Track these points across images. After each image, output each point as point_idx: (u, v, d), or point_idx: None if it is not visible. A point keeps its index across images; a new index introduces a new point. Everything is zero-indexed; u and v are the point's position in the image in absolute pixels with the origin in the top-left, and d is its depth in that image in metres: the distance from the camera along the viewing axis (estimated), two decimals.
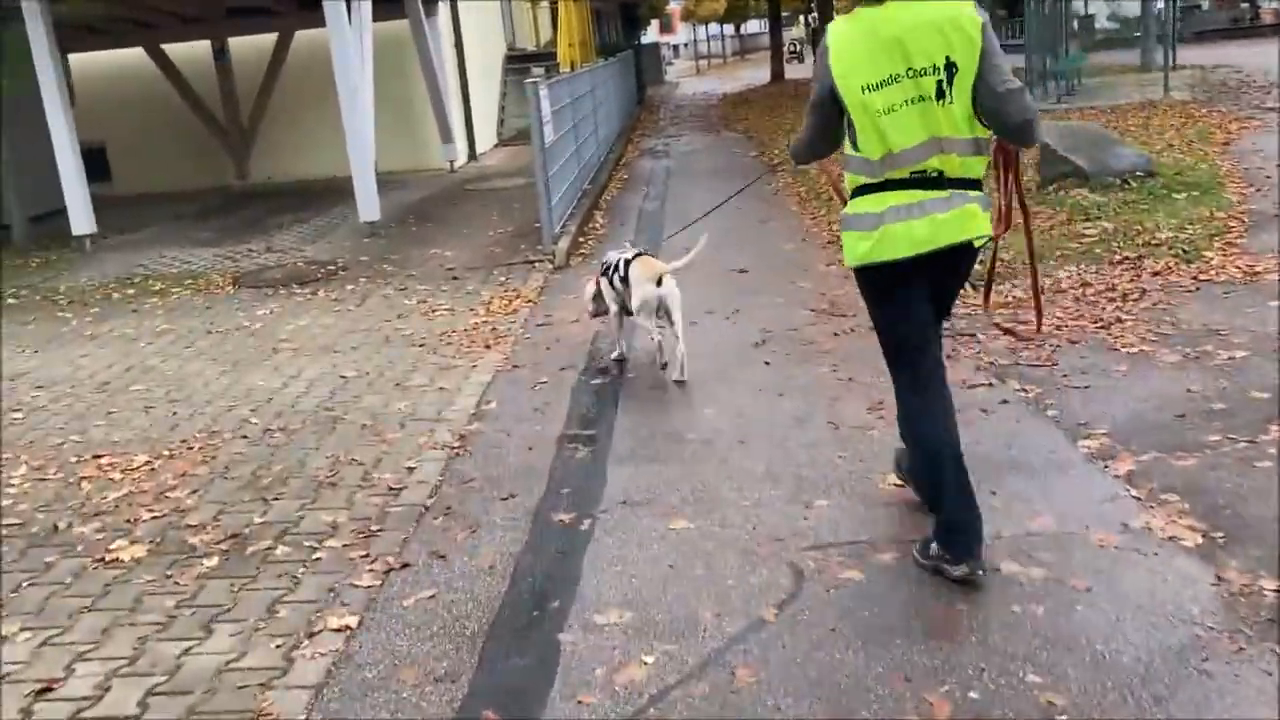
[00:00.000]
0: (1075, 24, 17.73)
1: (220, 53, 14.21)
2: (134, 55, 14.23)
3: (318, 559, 3.60)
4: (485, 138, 16.53)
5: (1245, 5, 31.74)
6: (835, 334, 5.87)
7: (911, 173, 2.96)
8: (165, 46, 14.11)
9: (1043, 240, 7.20)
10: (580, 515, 3.78)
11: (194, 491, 4.31)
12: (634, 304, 5.28)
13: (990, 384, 4.75)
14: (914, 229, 2.96)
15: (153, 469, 4.61)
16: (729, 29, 63.08)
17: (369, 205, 10.09)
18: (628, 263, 5.34)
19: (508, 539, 3.64)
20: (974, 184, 3.01)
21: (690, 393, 5.08)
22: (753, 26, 70.48)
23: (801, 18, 65.21)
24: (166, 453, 4.80)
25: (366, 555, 3.59)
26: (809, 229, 9.10)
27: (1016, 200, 3.26)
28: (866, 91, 2.94)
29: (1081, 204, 8.08)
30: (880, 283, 3.13)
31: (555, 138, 9.37)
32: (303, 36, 13.93)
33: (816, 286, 6.96)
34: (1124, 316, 5.54)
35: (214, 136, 14.73)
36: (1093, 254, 6.82)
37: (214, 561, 3.66)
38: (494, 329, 6.63)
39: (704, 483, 3.98)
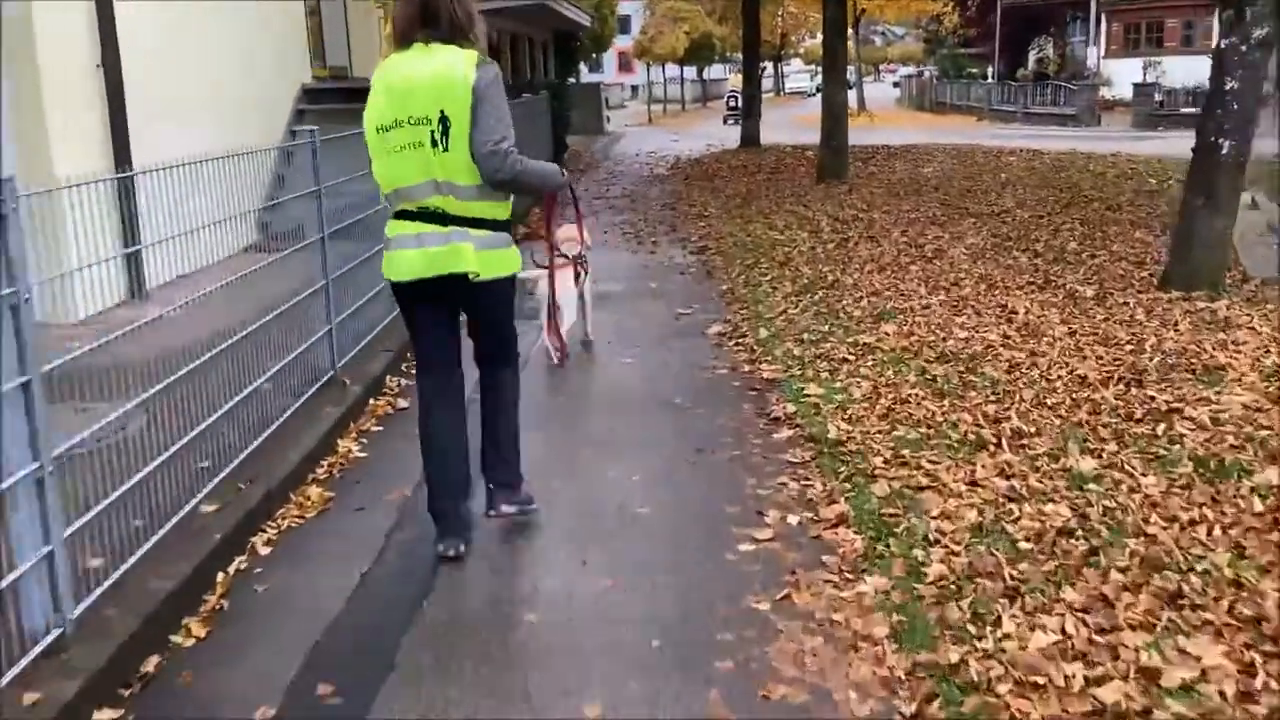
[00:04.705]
0: None
1: None
2: None
3: None
4: (214, 242, 8.26)
5: None
6: None
7: (418, 207, 3.47)
8: None
9: None
10: None
11: None
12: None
13: None
14: (410, 257, 3.49)
15: None
16: (690, 72, 55.48)
17: None
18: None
19: None
20: (483, 224, 3.49)
21: None
22: (716, 71, 63.33)
23: (769, 65, 57.91)
24: None
25: None
26: None
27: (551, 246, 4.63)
28: (380, 132, 3.45)
29: None
30: (401, 298, 3.68)
31: None
32: None
33: None
34: None
35: None
36: None
37: None
38: None
39: None
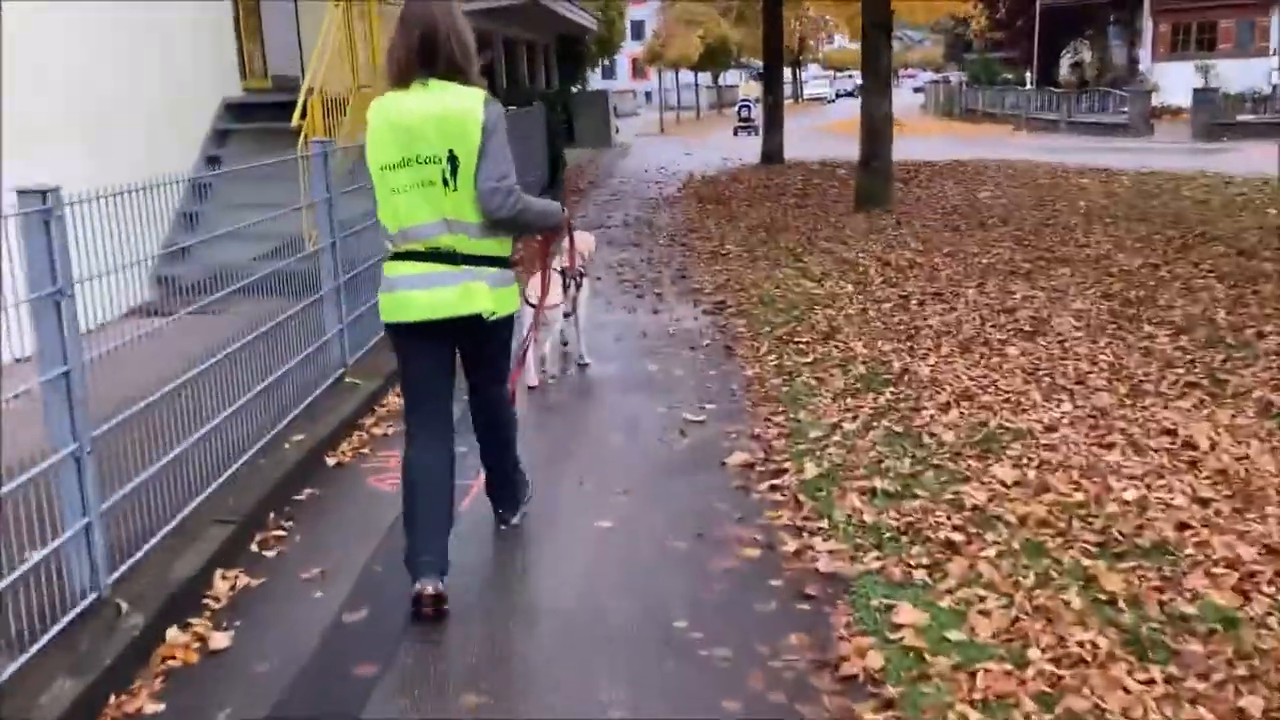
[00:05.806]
0: None
1: None
2: None
3: None
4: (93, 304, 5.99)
5: None
6: None
7: (426, 247, 3.38)
8: None
9: None
10: None
11: None
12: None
13: None
14: (419, 298, 3.39)
15: None
16: (705, 78, 53.20)
17: None
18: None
19: None
20: (493, 261, 3.43)
21: None
22: (732, 77, 61.11)
23: (786, 70, 55.05)
24: None
25: None
26: None
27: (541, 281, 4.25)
28: (385, 171, 3.35)
29: None
30: (399, 338, 3.54)
31: None
32: None
33: None
34: None
35: None
36: None
37: None
38: None
39: None
